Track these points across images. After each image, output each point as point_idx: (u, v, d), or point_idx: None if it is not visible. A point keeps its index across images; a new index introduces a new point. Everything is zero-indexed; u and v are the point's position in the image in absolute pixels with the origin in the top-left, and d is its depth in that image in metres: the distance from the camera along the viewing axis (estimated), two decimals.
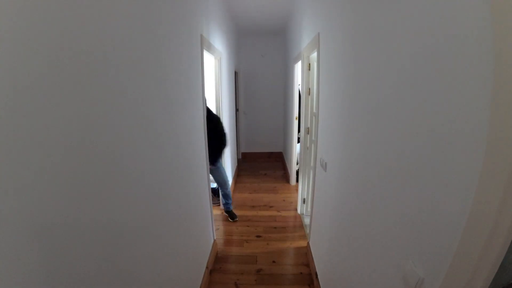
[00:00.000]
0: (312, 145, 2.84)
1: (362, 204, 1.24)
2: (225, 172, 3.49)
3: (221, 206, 3.61)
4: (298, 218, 3.53)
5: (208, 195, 2.53)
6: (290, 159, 4.61)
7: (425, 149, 0.76)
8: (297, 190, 4.04)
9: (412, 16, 0.82)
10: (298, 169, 4.09)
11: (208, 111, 3.02)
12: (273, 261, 2.68)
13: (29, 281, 0.59)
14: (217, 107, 3.53)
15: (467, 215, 0.59)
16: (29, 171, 0.60)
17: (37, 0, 0.62)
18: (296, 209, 3.75)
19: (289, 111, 4.76)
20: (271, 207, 3.84)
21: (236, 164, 5.40)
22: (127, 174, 1.01)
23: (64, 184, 0.70)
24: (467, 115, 0.61)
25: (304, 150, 3.42)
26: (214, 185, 3.78)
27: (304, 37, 3.00)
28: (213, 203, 3.04)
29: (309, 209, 3.05)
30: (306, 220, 3.31)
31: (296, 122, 4.13)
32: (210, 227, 2.62)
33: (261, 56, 6.04)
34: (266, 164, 5.87)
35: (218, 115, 3.43)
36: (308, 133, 3.28)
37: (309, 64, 3.05)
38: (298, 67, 3.76)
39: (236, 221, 3.46)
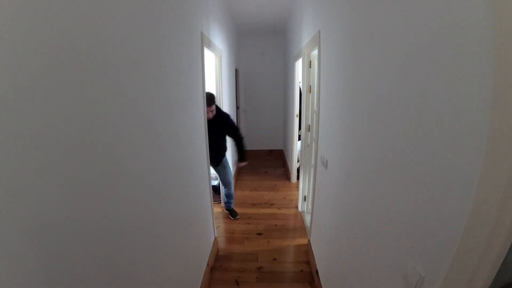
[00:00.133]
0: (313, 142, 2.84)
1: (363, 202, 1.24)
2: (231, 172, 3.50)
3: (222, 204, 3.62)
4: (299, 215, 3.54)
5: (208, 194, 2.53)
6: (291, 156, 4.61)
7: (425, 148, 0.76)
8: (297, 187, 4.05)
9: (413, 14, 0.82)
10: (299, 167, 4.09)
11: (218, 109, 3.02)
12: (274, 259, 2.69)
13: (29, 281, 0.60)
14: (218, 105, 3.52)
15: (468, 215, 0.60)
16: (29, 171, 0.60)
17: (37, 0, 0.62)
18: (296, 207, 3.75)
19: (289, 108, 4.75)
20: (271, 204, 3.85)
21: (234, 159, 5.40)
22: (127, 174, 1.02)
23: (64, 184, 0.70)
24: (467, 115, 0.60)
25: (305, 147, 3.42)
26: (215, 182, 3.79)
27: (305, 34, 2.99)
28: (213, 201, 3.06)
29: (309, 206, 3.05)
30: (307, 218, 3.31)
31: (297, 120, 4.13)
32: (210, 225, 2.63)
33: (261, 54, 6.03)
34: (266, 162, 5.87)
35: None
36: (309, 131, 3.28)
37: (310, 61, 3.04)
38: (298, 65, 3.76)
39: (237, 219, 3.47)
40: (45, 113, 0.64)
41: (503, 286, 0.62)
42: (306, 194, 3.52)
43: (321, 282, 2.12)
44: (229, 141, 3.49)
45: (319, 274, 2.21)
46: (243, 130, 6.32)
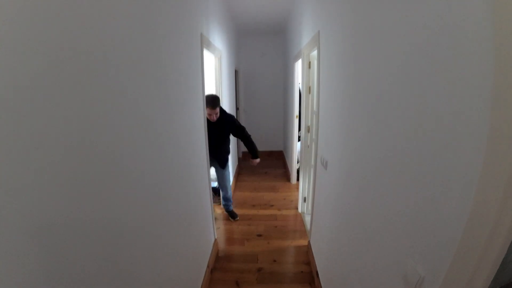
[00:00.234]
0: (313, 143, 2.84)
1: (363, 203, 1.24)
2: (230, 176, 3.51)
3: (222, 206, 3.62)
4: (299, 216, 3.53)
5: (208, 195, 2.53)
6: (291, 157, 4.61)
7: (425, 148, 0.76)
8: (297, 188, 4.05)
9: (413, 14, 0.82)
10: (298, 168, 4.09)
11: (222, 111, 3.01)
12: (274, 260, 2.68)
13: (29, 281, 0.60)
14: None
15: (468, 215, 0.59)
16: (29, 171, 0.60)
17: (37, 0, 0.62)
18: (296, 208, 3.75)
19: (289, 109, 4.76)
20: (271, 206, 3.85)
21: (237, 163, 5.41)
22: (127, 174, 1.02)
23: (64, 184, 0.70)
24: (467, 115, 0.60)
25: (304, 148, 3.42)
26: (215, 184, 3.79)
27: (304, 35, 2.99)
28: (214, 202, 3.06)
29: (309, 207, 3.05)
30: (307, 219, 3.31)
31: (296, 121, 4.13)
32: (211, 226, 2.63)
33: (261, 55, 6.04)
34: (266, 163, 5.86)
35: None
36: (308, 132, 3.28)
37: (310, 62, 3.05)
38: (298, 66, 3.76)
39: (237, 220, 3.47)
40: (45, 113, 0.64)
41: (503, 286, 0.62)
42: (306, 195, 3.52)
43: (321, 282, 2.12)
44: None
45: (319, 274, 2.21)
46: None
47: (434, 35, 0.71)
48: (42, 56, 0.63)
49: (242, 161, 6.01)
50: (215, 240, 2.78)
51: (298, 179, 4.28)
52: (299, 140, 4.10)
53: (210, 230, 2.59)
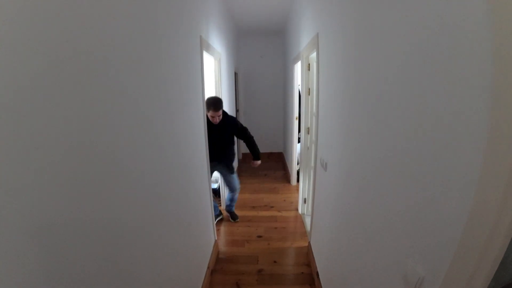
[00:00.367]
0: (313, 145, 2.84)
1: (363, 204, 1.24)
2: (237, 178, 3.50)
3: (223, 206, 3.61)
4: (299, 218, 3.53)
5: (208, 196, 2.53)
6: (291, 159, 4.61)
7: (425, 148, 0.76)
8: (297, 190, 4.04)
9: (412, 14, 0.82)
10: (298, 169, 4.09)
11: (224, 113, 3.01)
12: (274, 261, 2.68)
13: (29, 281, 0.59)
14: None
15: (468, 214, 0.59)
16: (29, 171, 0.60)
17: (37, 0, 0.62)
18: (297, 209, 3.74)
19: (289, 111, 4.76)
20: (271, 207, 3.84)
21: (237, 165, 5.40)
22: (127, 174, 1.01)
23: (64, 184, 0.70)
24: (467, 115, 0.60)
25: (304, 150, 3.42)
26: (215, 185, 3.79)
27: (303, 37, 3.00)
28: (215, 203, 3.05)
29: (310, 209, 3.05)
30: (307, 220, 3.30)
31: (296, 122, 4.13)
32: (211, 228, 2.62)
33: (260, 57, 6.04)
34: (266, 164, 5.86)
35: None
36: (308, 133, 3.28)
37: (309, 64, 3.05)
38: (297, 68, 3.76)
39: (237, 221, 3.46)
40: (45, 113, 0.64)
41: (505, 287, 0.62)
42: (306, 197, 3.52)
43: (322, 283, 2.12)
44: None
45: (320, 276, 2.21)
46: None
47: (434, 35, 0.71)
48: (42, 56, 0.63)
49: (242, 163, 6.01)
50: (215, 241, 2.78)
51: (298, 181, 4.28)
52: (299, 141, 4.10)
53: (210, 231, 2.58)
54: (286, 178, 5.01)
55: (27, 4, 0.59)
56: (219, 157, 3.06)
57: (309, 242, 2.74)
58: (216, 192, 3.81)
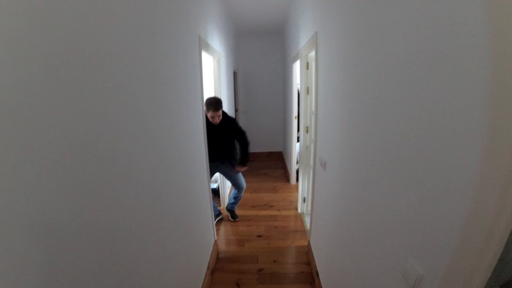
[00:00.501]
0: (312, 144, 2.84)
1: (362, 202, 1.25)
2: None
3: (223, 206, 3.60)
4: (299, 217, 3.53)
5: (208, 196, 2.53)
6: (290, 158, 4.61)
7: (424, 148, 0.76)
8: (297, 189, 4.05)
9: (412, 14, 0.82)
10: (298, 168, 4.09)
11: (224, 114, 3.01)
12: (274, 261, 2.68)
13: (29, 281, 0.60)
14: None
15: (466, 213, 0.60)
16: (29, 171, 0.60)
17: (37, 1, 0.62)
18: (296, 208, 3.75)
19: (288, 110, 4.76)
20: (271, 206, 3.85)
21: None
22: (127, 174, 1.02)
23: (64, 184, 0.70)
24: (467, 114, 0.61)
25: (303, 149, 3.42)
26: (214, 185, 3.78)
27: (302, 36, 3.00)
28: (214, 203, 3.05)
29: (309, 208, 3.05)
30: (307, 219, 3.31)
31: (295, 121, 4.14)
32: (210, 227, 2.63)
33: (262, 56, 6.03)
34: (266, 164, 5.87)
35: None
36: (307, 132, 3.29)
37: (308, 63, 3.05)
38: (296, 67, 3.77)
39: (237, 221, 3.46)
40: (45, 113, 0.64)
41: (504, 284, 0.62)
42: (305, 196, 3.52)
43: (321, 282, 2.12)
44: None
45: (319, 274, 2.21)
46: None
47: (434, 35, 0.72)
48: (42, 56, 0.63)
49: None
50: (215, 241, 2.78)
51: (297, 180, 4.28)
52: (298, 141, 4.10)
53: (210, 231, 2.59)
54: (286, 177, 5.01)
55: (27, 4, 0.59)
56: (222, 157, 3.06)
57: (308, 241, 2.75)
58: (215, 192, 3.81)
